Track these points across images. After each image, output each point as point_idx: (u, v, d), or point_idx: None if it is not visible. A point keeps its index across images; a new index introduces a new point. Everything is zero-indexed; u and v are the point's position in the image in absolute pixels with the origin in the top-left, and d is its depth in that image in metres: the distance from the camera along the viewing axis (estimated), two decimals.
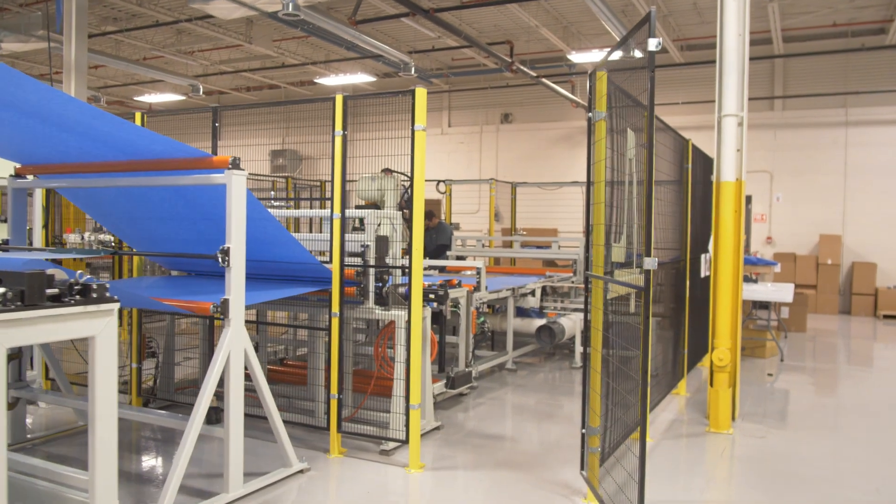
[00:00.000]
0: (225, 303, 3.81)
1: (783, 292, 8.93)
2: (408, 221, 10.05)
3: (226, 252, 3.77)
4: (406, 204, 9.89)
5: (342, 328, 4.76)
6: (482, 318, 6.69)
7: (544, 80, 13.38)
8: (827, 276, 13.88)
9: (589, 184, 3.90)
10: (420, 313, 4.57)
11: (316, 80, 16.24)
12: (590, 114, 3.90)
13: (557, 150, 16.73)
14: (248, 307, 4.78)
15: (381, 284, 5.00)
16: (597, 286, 3.89)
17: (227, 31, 13.78)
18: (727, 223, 5.52)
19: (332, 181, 4.73)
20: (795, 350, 9.46)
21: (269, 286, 4.83)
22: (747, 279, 10.06)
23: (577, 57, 13.43)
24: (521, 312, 8.23)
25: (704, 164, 7.81)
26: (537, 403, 6.43)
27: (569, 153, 16.56)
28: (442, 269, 9.03)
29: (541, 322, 7.83)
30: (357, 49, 13.21)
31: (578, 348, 7.93)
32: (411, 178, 4.50)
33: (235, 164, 3.80)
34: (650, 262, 2.85)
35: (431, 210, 10.27)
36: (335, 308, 4.71)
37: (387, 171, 9.50)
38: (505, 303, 7.76)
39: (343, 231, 4.74)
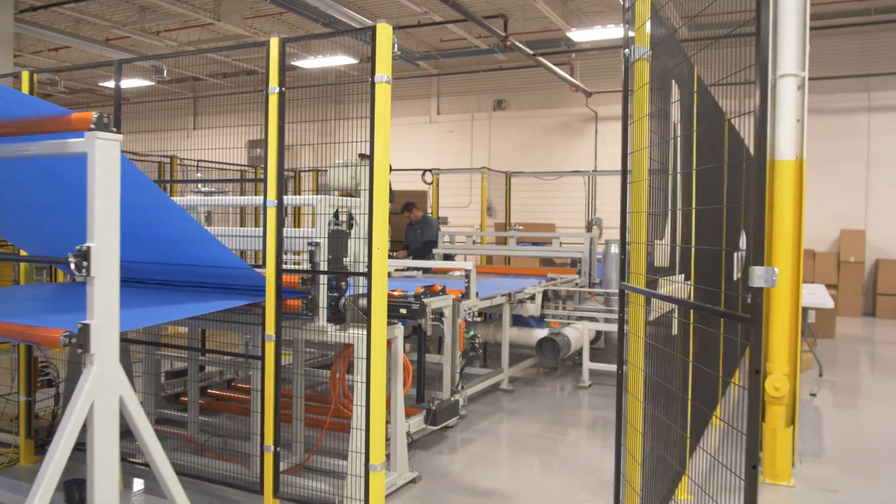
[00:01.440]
0: (84, 330, 2.55)
1: (819, 296, 7.75)
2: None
3: (84, 254, 2.51)
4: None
5: (279, 356, 3.52)
6: (472, 332, 5.48)
7: (541, 58, 12.14)
8: (849, 274, 12.71)
9: (625, 154, 2.67)
10: (383, 339, 3.34)
11: (293, 63, 14.95)
12: (626, 50, 2.67)
13: (555, 139, 15.50)
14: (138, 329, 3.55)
15: (336, 295, 3.76)
16: (636, 304, 2.67)
17: (193, 7, 12.50)
18: (785, 214, 4.30)
19: (266, 156, 3.49)
20: (829, 360, 8.27)
21: (176, 299, 3.58)
22: None
23: (577, 35, 12.21)
24: (519, 321, 7.01)
25: (734, 144, 6.60)
26: (539, 437, 5.22)
27: (567, 142, 15.35)
28: (427, 271, 7.81)
29: (542, 333, 6.61)
30: (335, 25, 11.94)
31: (587, 364, 6.70)
32: (371, 150, 3.27)
33: (101, 123, 2.54)
34: (763, 275, 1.62)
35: (413, 202, 9.05)
36: (269, 328, 3.47)
37: (363, 156, 8.31)
38: (499, 310, 6.53)
39: (280, 224, 3.50)
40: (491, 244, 10.14)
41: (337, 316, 3.76)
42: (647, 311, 2.70)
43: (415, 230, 8.89)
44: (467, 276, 5.49)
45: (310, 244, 3.71)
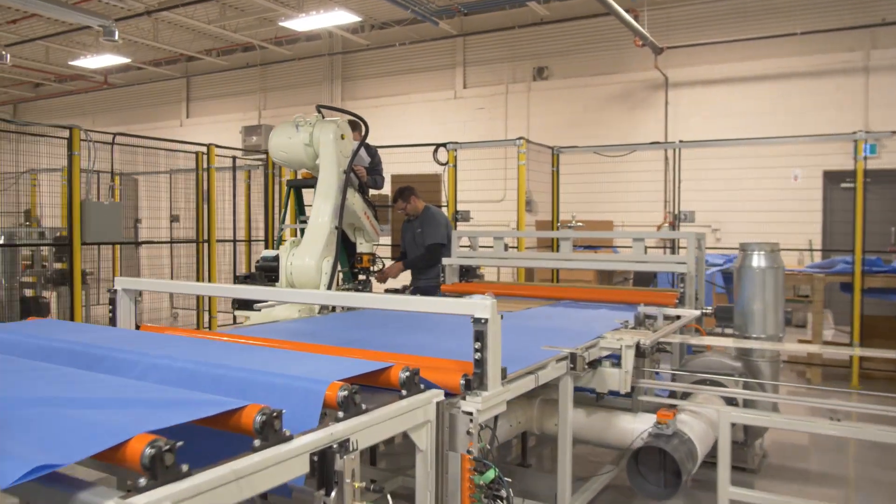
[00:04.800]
0: None
1: None
2: (369, 204, 5.44)
3: None
4: (370, 178, 5.56)
5: None
6: (492, 471, 2.28)
7: None
8: None
9: None
10: None
11: (281, 23, 11.97)
12: None
13: (611, 113, 12.15)
14: None
15: None
16: None
17: None
18: None
19: None
20: None
21: None
22: None
23: None
24: (584, 393, 3.77)
25: None
26: None
27: (628, 115, 11.98)
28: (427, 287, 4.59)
29: (638, 425, 3.36)
30: None
31: (727, 490, 3.39)
32: None
33: None
34: None
35: (409, 186, 5.86)
36: None
37: (322, 109, 5.21)
38: (555, 381, 3.27)
39: None
40: (532, 250, 6.90)
41: None
42: None
43: (413, 228, 5.70)
44: (481, 338, 2.25)
45: None
